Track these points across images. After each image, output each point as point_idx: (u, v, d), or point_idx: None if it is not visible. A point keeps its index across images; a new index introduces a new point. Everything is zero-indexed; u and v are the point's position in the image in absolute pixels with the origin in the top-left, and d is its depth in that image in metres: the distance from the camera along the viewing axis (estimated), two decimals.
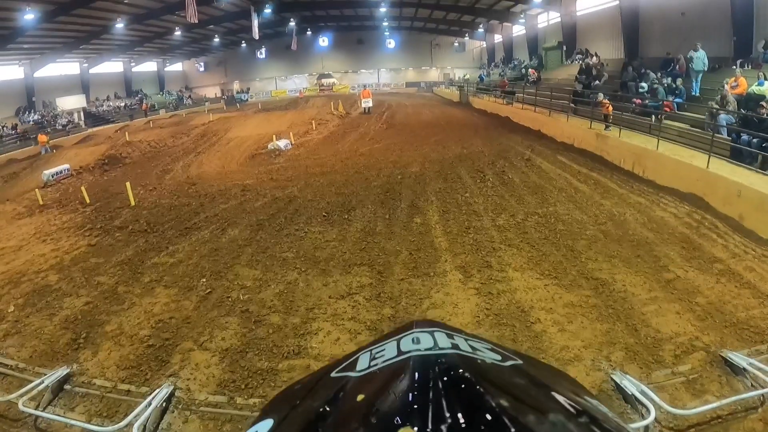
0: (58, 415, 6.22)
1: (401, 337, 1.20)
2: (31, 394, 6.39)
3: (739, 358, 6.28)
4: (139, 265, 10.32)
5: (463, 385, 0.93)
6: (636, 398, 5.78)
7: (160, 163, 22.60)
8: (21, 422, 6.22)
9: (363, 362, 1.15)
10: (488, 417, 0.84)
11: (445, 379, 0.95)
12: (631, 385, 5.95)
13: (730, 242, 9.81)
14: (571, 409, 0.96)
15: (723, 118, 13.66)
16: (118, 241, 11.85)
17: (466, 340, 1.18)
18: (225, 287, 9.07)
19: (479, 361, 1.07)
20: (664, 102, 17.07)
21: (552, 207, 12.34)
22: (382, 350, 1.17)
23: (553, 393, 1.02)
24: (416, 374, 0.99)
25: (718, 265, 8.88)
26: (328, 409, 1.01)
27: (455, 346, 1.11)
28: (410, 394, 0.92)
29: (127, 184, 15.33)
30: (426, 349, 1.09)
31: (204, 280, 9.39)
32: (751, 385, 6.03)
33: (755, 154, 11.84)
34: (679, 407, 5.68)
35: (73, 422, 6.05)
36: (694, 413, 5.63)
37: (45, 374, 6.83)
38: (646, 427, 5.46)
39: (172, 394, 6.44)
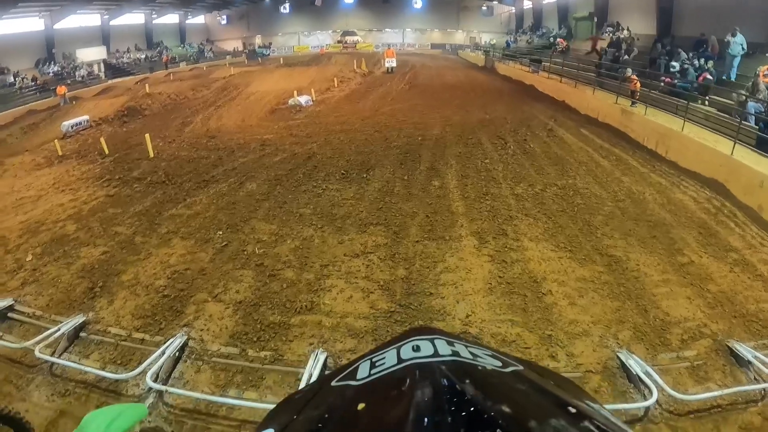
0: (74, 362, 6.35)
1: (401, 345, 1.20)
2: (48, 341, 6.52)
3: (745, 350, 6.28)
4: (156, 216, 10.39)
5: (464, 393, 0.92)
6: (640, 378, 5.82)
7: (180, 115, 22.52)
8: (37, 368, 6.35)
9: (363, 371, 1.15)
10: (490, 424, 0.84)
11: (446, 386, 0.95)
12: (636, 365, 5.98)
13: (748, 232, 9.68)
14: (573, 414, 0.95)
15: (752, 105, 13.12)
16: (137, 192, 11.92)
17: (466, 346, 1.17)
18: (241, 240, 9.12)
19: (480, 367, 1.07)
20: (699, 75, 16.56)
21: (571, 179, 12.21)
22: (383, 358, 1.17)
23: (555, 398, 1.01)
24: (417, 382, 0.99)
25: (733, 254, 8.79)
26: (328, 418, 1.00)
27: (455, 353, 1.10)
28: (411, 403, 0.91)
29: (147, 135, 15.32)
30: (426, 357, 1.09)
31: (220, 232, 9.46)
32: (755, 378, 6.04)
33: None
34: (681, 392, 5.69)
35: (87, 369, 6.18)
36: (696, 399, 5.67)
37: (61, 322, 6.95)
38: (647, 408, 5.52)
39: (185, 344, 6.56)
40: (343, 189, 11.51)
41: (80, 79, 40.00)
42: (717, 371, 6.19)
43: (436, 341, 1.18)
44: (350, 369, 1.22)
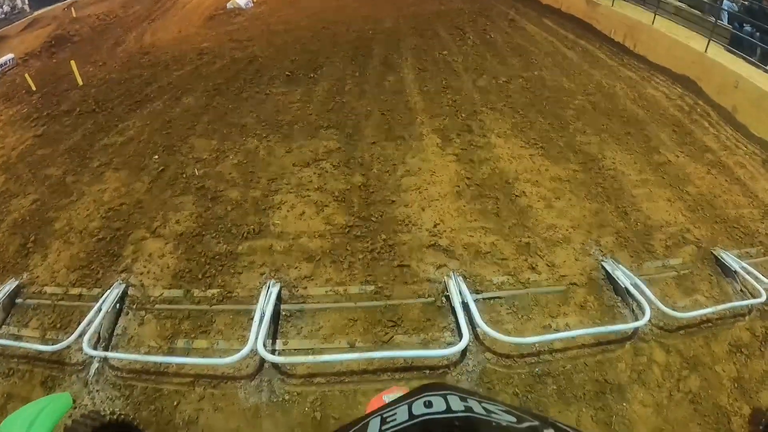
0: (10, 339, 5.48)
1: (413, 401, 1.13)
2: None
3: (731, 260, 5.99)
4: (87, 149, 9.02)
5: None
6: (628, 291, 5.41)
7: (111, 36, 20.26)
8: None
9: (373, 427, 1.06)
10: None
11: None
12: (623, 276, 5.55)
13: (722, 133, 9.21)
14: None
15: (726, 4, 12.16)
16: (66, 126, 10.37)
17: (479, 402, 1.09)
18: (179, 162, 7.98)
19: (494, 423, 0.99)
20: None
21: (537, 71, 11.21)
22: (394, 414, 1.09)
23: None
24: None
25: (709, 155, 8.41)
26: None
27: (469, 409, 1.05)
28: None
29: (72, 63, 13.49)
30: (439, 413, 1.04)
31: (156, 157, 8.25)
32: (741, 289, 5.84)
33: (755, 47, 10.74)
34: (671, 307, 5.33)
35: (23, 345, 5.34)
36: (687, 317, 5.33)
37: None
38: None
39: (124, 294, 5.65)
40: (289, 92, 10.17)
41: (3, 16, 36.27)
42: (703, 281, 5.89)
43: (448, 397, 1.11)
44: (360, 425, 1.10)
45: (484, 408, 1.06)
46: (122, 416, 3.93)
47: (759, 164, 8.39)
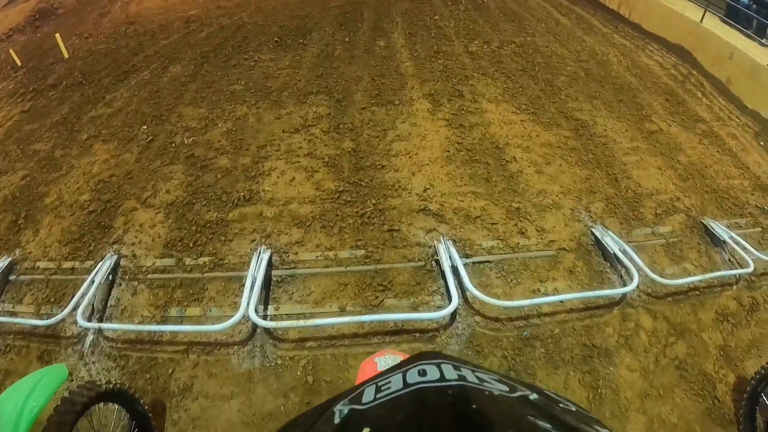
0: (4, 316, 5.45)
1: (407, 370, 1.15)
2: None
3: (720, 229, 6.07)
4: (75, 122, 8.89)
5: (470, 417, 0.88)
6: (617, 257, 5.44)
7: (96, 7, 19.26)
8: None
9: (368, 395, 1.08)
10: None
11: (452, 410, 0.92)
12: (612, 242, 5.58)
13: (715, 104, 9.33)
14: None
15: None
16: (53, 100, 10.21)
17: (472, 371, 1.12)
18: (168, 132, 7.85)
19: (486, 392, 1.01)
20: None
21: (530, 37, 11.17)
22: (388, 382, 1.11)
23: (563, 423, 0.93)
24: (423, 406, 0.97)
25: (701, 125, 8.50)
26: None
27: (462, 378, 1.07)
28: (417, 427, 0.89)
29: (57, 36, 13.24)
30: (432, 381, 1.06)
31: (145, 127, 8.11)
32: (729, 259, 5.93)
33: (751, 19, 10.76)
34: (659, 274, 5.37)
35: (17, 321, 5.31)
36: (675, 284, 5.40)
37: None
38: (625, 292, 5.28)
39: (117, 265, 5.61)
40: (278, 58, 9.97)
41: None
42: (692, 250, 5.99)
43: (442, 366, 1.12)
44: (355, 393, 1.11)
45: (477, 377, 1.07)
46: (118, 386, 3.94)
47: (751, 137, 8.46)
